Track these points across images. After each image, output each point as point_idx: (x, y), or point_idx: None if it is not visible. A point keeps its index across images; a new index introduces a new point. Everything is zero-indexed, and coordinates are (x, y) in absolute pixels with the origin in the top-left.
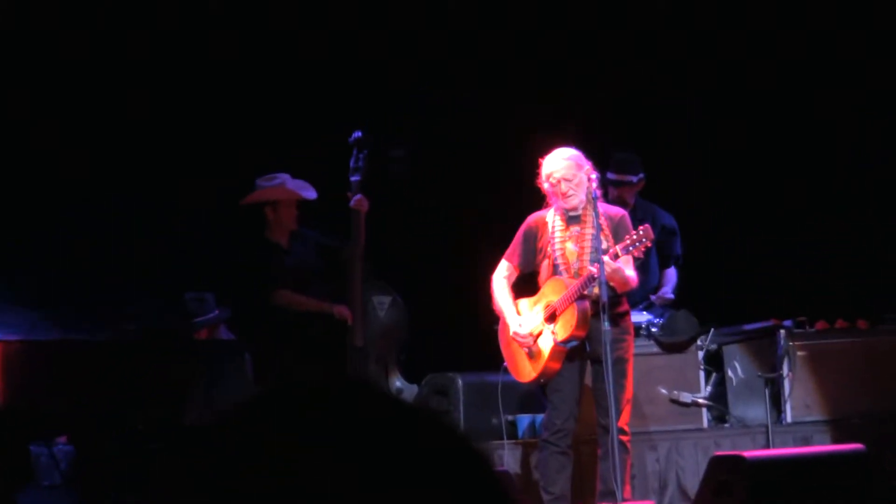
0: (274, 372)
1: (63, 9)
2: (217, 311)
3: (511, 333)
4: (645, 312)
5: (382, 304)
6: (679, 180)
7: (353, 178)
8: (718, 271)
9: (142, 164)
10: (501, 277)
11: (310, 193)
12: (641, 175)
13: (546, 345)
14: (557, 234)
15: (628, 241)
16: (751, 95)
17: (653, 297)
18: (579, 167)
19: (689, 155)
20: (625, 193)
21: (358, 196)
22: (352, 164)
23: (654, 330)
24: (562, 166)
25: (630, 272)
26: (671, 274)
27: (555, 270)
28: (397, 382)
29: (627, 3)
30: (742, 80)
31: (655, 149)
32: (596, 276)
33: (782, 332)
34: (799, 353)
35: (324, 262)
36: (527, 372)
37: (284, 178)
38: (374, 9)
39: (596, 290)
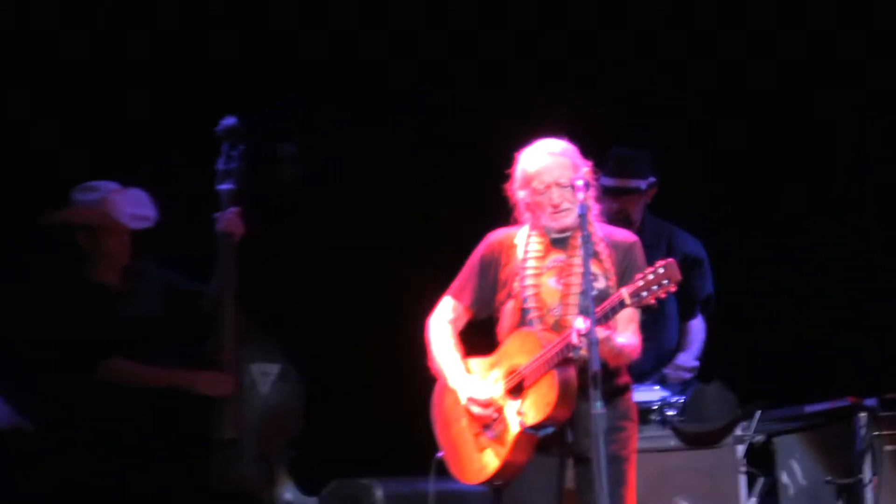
0: (93, 481)
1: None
2: None
3: (464, 400)
4: (657, 387)
5: (266, 375)
6: (699, 195)
7: (222, 187)
8: (763, 325)
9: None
10: (444, 321)
11: (143, 213)
12: (652, 180)
13: (508, 430)
14: (532, 263)
15: (641, 284)
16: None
17: (666, 371)
18: (576, 169)
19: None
20: (629, 205)
21: (230, 213)
22: (220, 165)
23: (670, 414)
24: (553, 164)
25: (630, 338)
26: (697, 328)
27: (523, 317)
28: (287, 494)
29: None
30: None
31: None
32: (576, 343)
33: (862, 415)
34: (887, 448)
35: (177, 315)
36: (476, 469)
37: (108, 190)
38: None
39: (584, 353)
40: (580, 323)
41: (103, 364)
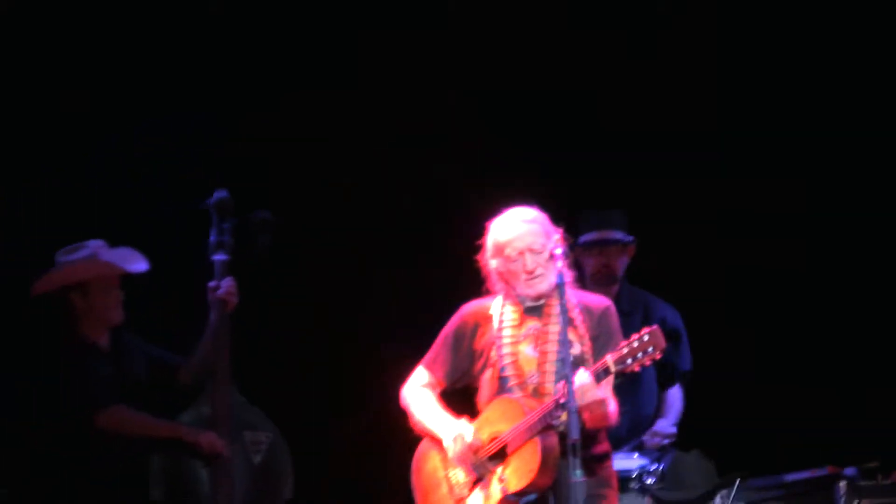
0: None
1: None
2: None
3: (460, 450)
4: (636, 455)
5: (258, 444)
6: (674, 253)
7: (216, 258)
8: (743, 393)
9: None
10: (421, 385)
11: (138, 265)
12: (631, 238)
13: (491, 496)
14: (508, 332)
15: (625, 351)
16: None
17: (645, 438)
18: (548, 235)
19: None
20: (611, 260)
21: (227, 283)
22: (213, 237)
23: (650, 482)
24: (525, 231)
25: (610, 401)
26: (675, 396)
27: (501, 386)
28: None
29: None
30: None
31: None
32: (563, 400)
33: (842, 484)
34: None
35: (154, 386)
36: None
37: (96, 246)
38: None
39: (564, 418)
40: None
41: (105, 409)
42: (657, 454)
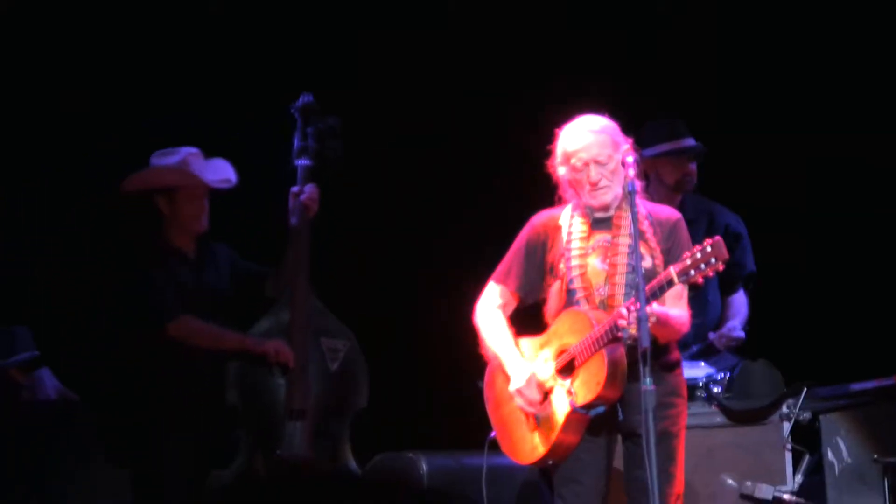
0: (155, 452)
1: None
2: (36, 352)
3: (512, 389)
4: (703, 363)
5: (335, 351)
6: (742, 165)
7: (299, 163)
8: (810, 302)
9: None
10: (493, 307)
11: (226, 178)
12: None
13: (559, 410)
14: (576, 243)
15: (689, 262)
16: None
17: (712, 336)
18: (616, 146)
19: (756, 130)
20: (685, 166)
21: (310, 189)
22: (297, 142)
23: (716, 390)
24: (591, 142)
25: (681, 311)
26: (740, 302)
27: (569, 298)
28: (351, 464)
29: None
30: None
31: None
32: (627, 321)
33: None
34: None
35: (239, 294)
36: (528, 449)
37: (188, 153)
38: None
39: (633, 332)
40: (629, 310)
41: (175, 320)
42: (724, 363)
